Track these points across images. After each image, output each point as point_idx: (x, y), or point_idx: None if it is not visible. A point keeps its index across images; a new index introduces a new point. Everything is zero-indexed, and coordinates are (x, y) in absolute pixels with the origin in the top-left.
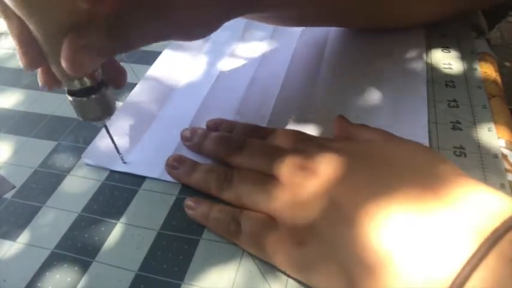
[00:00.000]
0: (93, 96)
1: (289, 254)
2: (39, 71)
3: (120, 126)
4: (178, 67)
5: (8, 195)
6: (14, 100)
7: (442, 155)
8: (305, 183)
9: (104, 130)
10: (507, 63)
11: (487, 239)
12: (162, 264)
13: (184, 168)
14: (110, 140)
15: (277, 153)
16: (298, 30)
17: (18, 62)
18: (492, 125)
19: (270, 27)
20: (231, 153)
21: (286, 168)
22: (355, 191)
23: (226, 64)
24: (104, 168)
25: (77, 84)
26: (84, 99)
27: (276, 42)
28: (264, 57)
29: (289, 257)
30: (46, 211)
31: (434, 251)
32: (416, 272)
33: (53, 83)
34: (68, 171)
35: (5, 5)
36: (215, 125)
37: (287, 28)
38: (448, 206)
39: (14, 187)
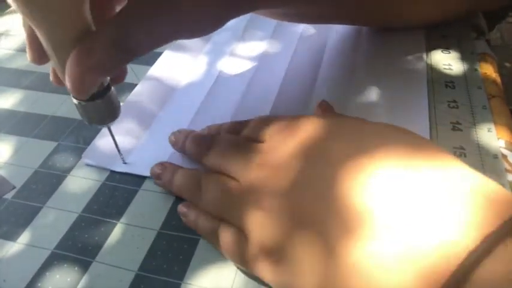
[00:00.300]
0: (99, 100)
1: (267, 271)
2: (50, 68)
3: (120, 127)
4: (179, 68)
5: (9, 196)
6: (14, 100)
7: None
8: (266, 183)
9: (104, 130)
10: (507, 64)
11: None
12: (162, 264)
13: (166, 175)
14: (110, 140)
15: (240, 151)
16: (298, 30)
17: (19, 63)
18: (492, 126)
19: (270, 27)
20: (203, 153)
21: (248, 167)
22: (321, 176)
23: (226, 64)
24: (104, 169)
25: None
26: (90, 103)
27: (276, 42)
28: (264, 57)
29: (270, 275)
30: (46, 211)
31: (427, 211)
32: (403, 231)
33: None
34: (68, 171)
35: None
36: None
37: (287, 28)
38: (435, 165)
39: (14, 187)
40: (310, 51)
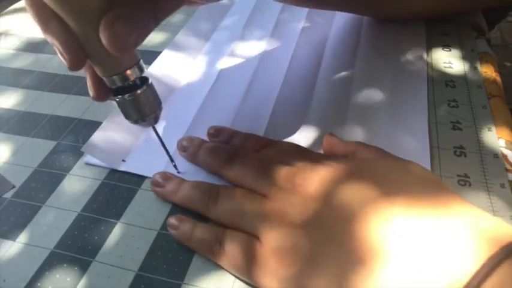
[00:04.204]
0: (138, 91)
1: (275, 278)
2: (88, 81)
3: (120, 125)
4: (178, 67)
5: (8, 195)
6: (13, 100)
7: (438, 177)
8: (294, 202)
9: (103, 125)
10: (507, 63)
11: (502, 249)
12: (162, 264)
13: (170, 186)
14: (109, 137)
15: (268, 169)
16: (298, 29)
17: (18, 62)
18: (492, 125)
19: (270, 25)
20: (223, 165)
21: (275, 185)
22: (345, 211)
23: (226, 64)
24: (104, 168)
25: (117, 81)
26: (127, 96)
27: (276, 41)
28: (264, 55)
29: (277, 282)
30: (46, 211)
31: (437, 253)
32: (412, 273)
33: (103, 91)
34: (67, 170)
35: (42, 10)
36: (216, 132)
37: (287, 26)
38: (446, 213)
39: (13, 187)
40: (310, 50)
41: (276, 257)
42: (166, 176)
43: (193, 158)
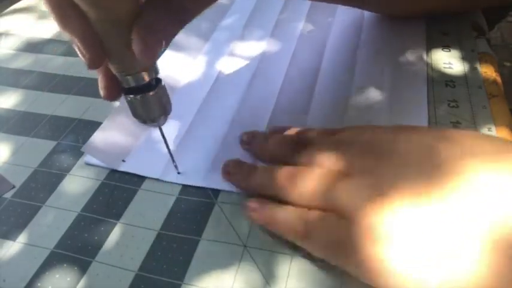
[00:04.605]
0: (151, 93)
1: (366, 256)
2: (100, 81)
3: (120, 125)
4: (178, 67)
5: (8, 195)
6: (13, 100)
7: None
8: (376, 171)
9: (104, 125)
10: (507, 63)
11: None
12: (162, 264)
13: (244, 172)
14: (109, 138)
15: (342, 150)
16: (298, 29)
17: (18, 62)
18: (492, 125)
19: (270, 25)
20: (298, 150)
21: (354, 160)
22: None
23: (226, 64)
24: (104, 168)
25: (131, 81)
26: (139, 96)
27: (276, 41)
28: (264, 56)
29: (369, 258)
30: (46, 211)
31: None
32: (413, 265)
33: (115, 91)
34: (67, 170)
35: (61, 4)
36: (250, 138)
37: (287, 26)
38: (451, 195)
39: (13, 187)
40: (310, 50)
41: (368, 234)
42: (239, 164)
43: (259, 150)
